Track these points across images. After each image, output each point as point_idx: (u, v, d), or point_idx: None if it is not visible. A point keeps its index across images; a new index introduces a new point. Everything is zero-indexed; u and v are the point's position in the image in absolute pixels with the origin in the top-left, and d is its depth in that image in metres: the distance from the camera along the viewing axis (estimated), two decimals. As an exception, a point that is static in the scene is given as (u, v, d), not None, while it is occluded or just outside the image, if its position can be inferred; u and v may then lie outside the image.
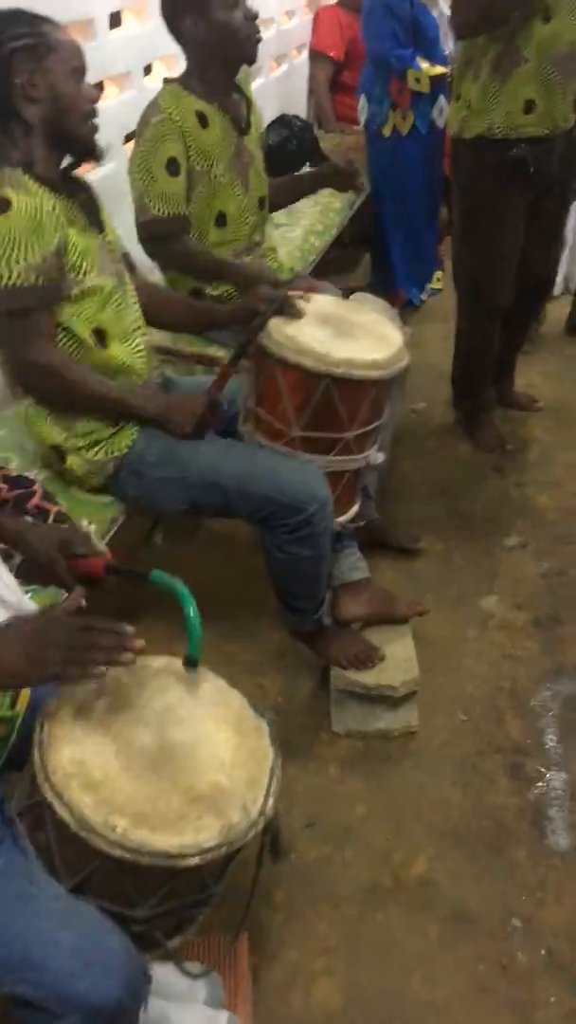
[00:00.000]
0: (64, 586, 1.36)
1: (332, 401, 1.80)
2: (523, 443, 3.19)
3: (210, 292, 2.45)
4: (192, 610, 1.22)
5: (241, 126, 2.38)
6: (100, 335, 1.82)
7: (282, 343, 1.79)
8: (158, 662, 1.35)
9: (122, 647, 1.11)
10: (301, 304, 1.86)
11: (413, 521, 2.76)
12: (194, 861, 1.09)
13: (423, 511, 2.83)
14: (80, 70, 1.75)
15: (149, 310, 2.01)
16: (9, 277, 1.67)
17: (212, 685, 1.34)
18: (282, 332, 1.80)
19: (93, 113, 1.76)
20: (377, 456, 1.94)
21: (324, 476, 1.86)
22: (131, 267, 2.00)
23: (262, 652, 2.29)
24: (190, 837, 1.10)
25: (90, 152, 1.80)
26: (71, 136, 1.75)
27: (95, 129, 1.78)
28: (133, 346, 1.90)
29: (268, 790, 1.18)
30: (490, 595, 2.50)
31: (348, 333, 1.86)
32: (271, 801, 1.18)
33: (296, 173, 3.39)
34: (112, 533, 1.96)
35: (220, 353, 2.42)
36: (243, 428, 1.94)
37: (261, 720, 1.29)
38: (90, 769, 1.12)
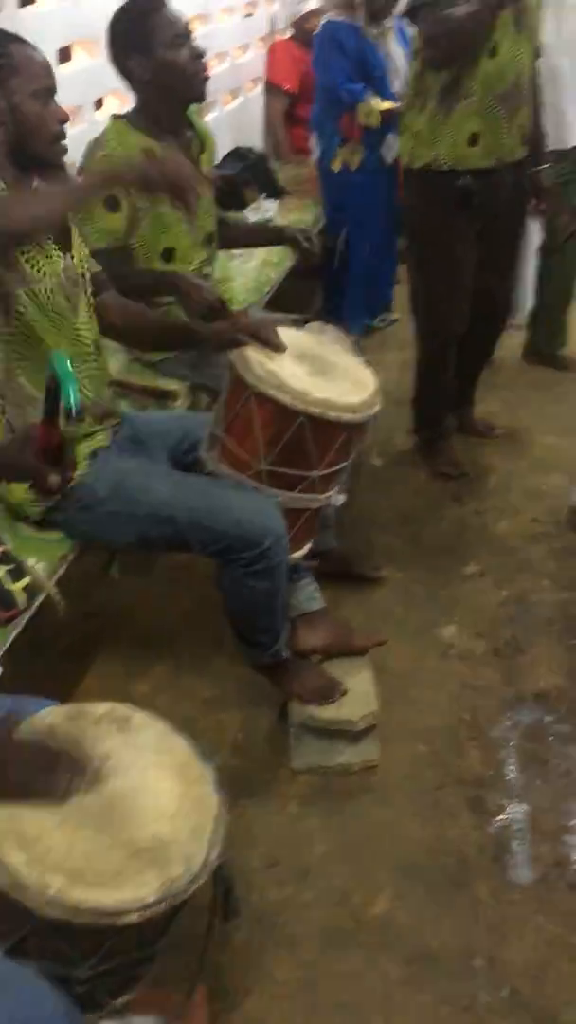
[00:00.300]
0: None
1: (304, 439, 1.80)
2: (482, 470, 3.20)
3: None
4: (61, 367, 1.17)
5: (191, 162, 2.36)
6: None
7: (263, 377, 1.78)
8: (99, 708, 1.31)
9: None
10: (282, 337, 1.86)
11: (373, 550, 2.75)
12: (133, 918, 1.06)
13: (383, 540, 2.82)
14: (47, 90, 1.72)
15: (122, 329, 2.01)
16: None
17: (155, 730, 1.31)
18: (263, 365, 1.79)
19: (61, 135, 1.75)
20: (338, 498, 1.95)
21: (279, 509, 1.86)
22: (97, 290, 1.95)
23: (221, 686, 2.27)
24: (129, 893, 1.06)
25: (59, 176, 1.79)
26: (38, 158, 1.73)
27: (63, 151, 1.76)
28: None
29: (212, 840, 1.15)
30: (450, 624, 2.49)
31: (325, 373, 1.87)
32: (215, 852, 1.14)
33: (259, 223, 3.43)
34: (62, 571, 1.92)
35: (173, 386, 2.42)
36: (206, 455, 1.93)
37: (206, 766, 1.25)
38: (24, 824, 1.09)
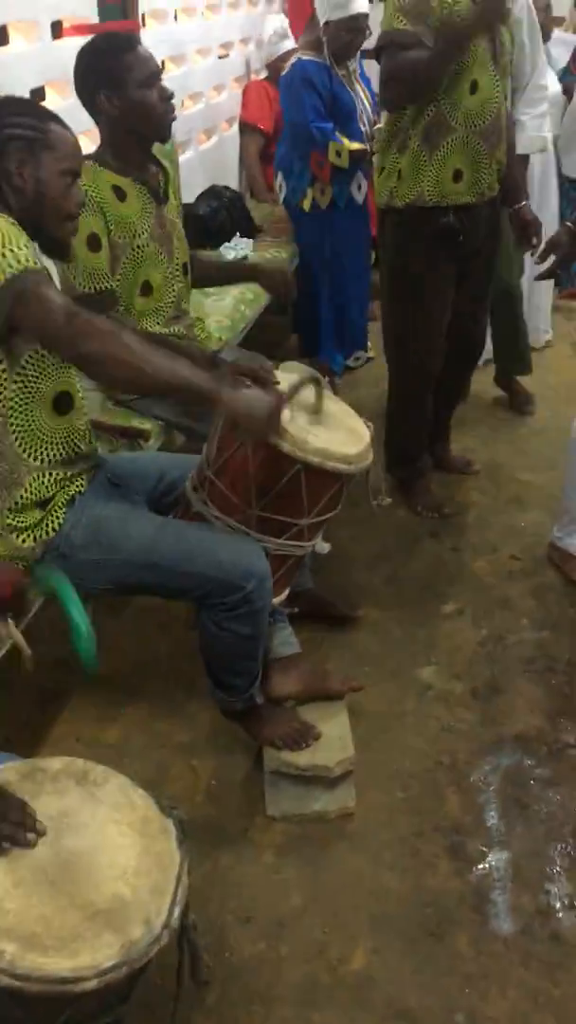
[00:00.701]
0: None
1: (298, 487, 1.79)
2: (460, 507, 3.19)
3: None
4: (74, 608, 1.13)
5: (159, 196, 2.38)
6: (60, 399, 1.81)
7: None
8: (56, 764, 1.27)
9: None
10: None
11: (350, 589, 2.73)
12: (91, 984, 1.02)
13: (360, 579, 2.81)
14: (73, 172, 1.76)
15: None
16: None
17: (114, 784, 1.27)
18: None
19: (73, 216, 1.79)
20: (323, 546, 1.95)
21: (263, 552, 1.84)
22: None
23: (195, 732, 2.24)
24: (86, 958, 1.03)
25: (62, 253, 1.83)
26: (46, 232, 1.76)
27: (72, 232, 1.82)
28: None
29: (174, 899, 1.11)
30: (428, 665, 2.47)
31: (321, 420, 1.86)
32: (177, 911, 1.10)
33: (234, 261, 3.42)
34: (30, 618, 1.89)
35: (146, 426, 2.40)
36: (194, 495, 1.90)
37: (167, 819, 1.21)
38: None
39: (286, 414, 1.75)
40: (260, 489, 1.80)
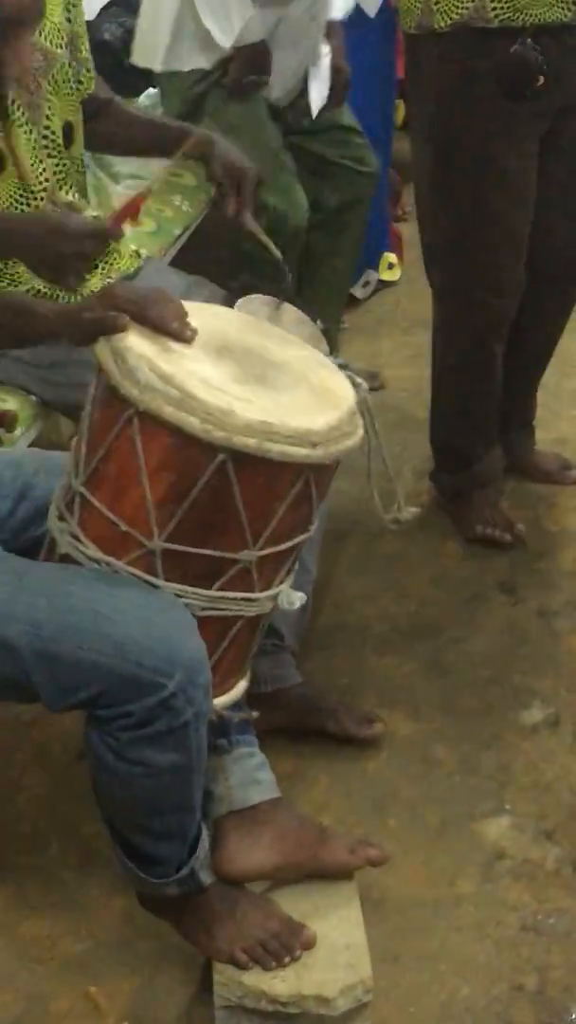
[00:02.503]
0: None
1: (228, 494, 1.76)
2: (550, 539, 3.22)
3: None
4: None
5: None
6: None
7: (151, 384, 1.73)
8: None
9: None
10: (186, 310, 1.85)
11: (363, 685, 2.74)
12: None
13: (380, 665, 2.81)
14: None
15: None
16: None
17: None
18: (155, 366, 1.74)
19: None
20: (292, 596, 1.93)
21: (191, 617, 1.83)
22: None
23: (95, 935, 2.22)
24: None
25: None
26: None
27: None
28: None
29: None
30: (498, 815, 2.47)
31: (264, 377, 1.86)
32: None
33: (164, 120, 3.42)
34: None
35: (7, 404, 2.43)
36: (55, 527, 1.90)
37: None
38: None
39: (198, 368, 1.76)
40: (163, 503, 1.78)
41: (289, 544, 1.86)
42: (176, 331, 1.81)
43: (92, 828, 2.24)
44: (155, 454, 1.75)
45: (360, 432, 1.85)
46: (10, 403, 2.42)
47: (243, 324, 2.00)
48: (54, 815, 2.42)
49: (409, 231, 4.20)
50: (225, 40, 3.41)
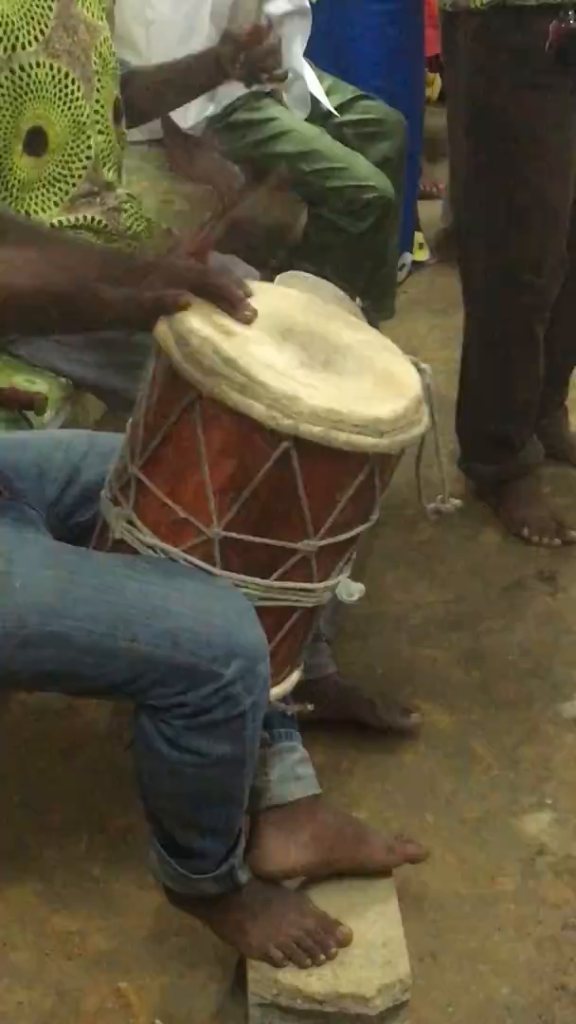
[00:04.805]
0: None
1: (290, 483, 1.75)
2: None
3: None
4: None
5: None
6: None
7: (215, 368, 1.71)
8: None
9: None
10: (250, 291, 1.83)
11: (399, 676, 2.73)
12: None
13: (416, 656, 2.80)
14: None
15: None
16: None
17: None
18: (216, 346, 1.72)
19: None
20: (353, 588, 1.93)
21: (251, 607, 1.82)
22: None
23: (125, 931, 2.22)
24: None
25: None
26: None
27: None
28: None
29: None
30: (539, 810, 2.47)
31: (329, 362, 1.84)
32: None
33: (180, 63, 3.43)
34: None
35: (38, 386, 2.43)
36: (113, 512, 1.89)
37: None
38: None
39: (261, 352, 1.75)
40: (223, 492, 1.77)
41: (350, 534, 1.85)
42: (242, 308, 1.78)
43: (123, 821, 2.30)
44: (217, 440, 1.74)
45: (426, 420, 1.84)
46: (39, 385, 2.43)
47: (308, 306, 1.99)
48: (84, 808, 2.43)
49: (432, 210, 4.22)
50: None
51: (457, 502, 2.07)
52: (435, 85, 5.04)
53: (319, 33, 3.91)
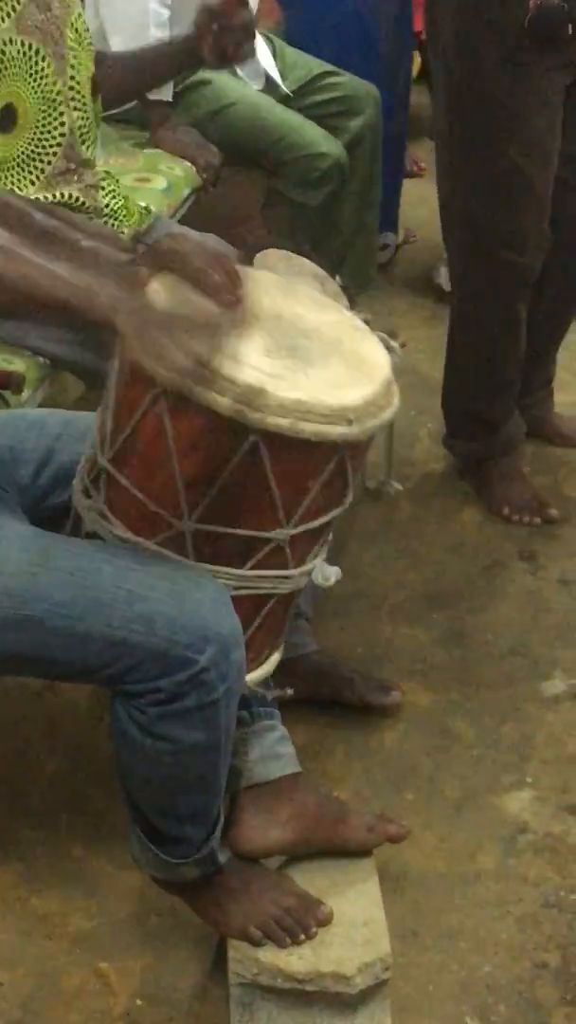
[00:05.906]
0: None
1: (260, 474, 1.75)
2: (572, 505, 3.23)
3: None
4: None
5: None
6: None
7: None
8: None
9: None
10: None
11: (379, 655, 2.74)
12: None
13: (396, 635, 2.81)
14: None
15: None
16: None
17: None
18: None
19: None
20: (327, 571, 1.96)
21: (226, 594, 1.82)
22: None
23: (106, 912, 2.22)
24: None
25: None
26: None
27: None
28: None
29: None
30: (519, 789, 2.47)
31: (296, 348, 1.83)
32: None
33: (153, 48, 3.44)
34: None
35: (16, 365, 2.42)
36: (82, 504, 1.89)
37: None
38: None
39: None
40: (194, 484, 1.76)
41: (324, 520, 1.85)
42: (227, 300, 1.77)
43: (103, 803, 2.29)
44: (184, 435, 1.73)
45: (396, 403, 1.83)
46: (17, 364, 2.41)
47: (275, 288, 1.97)
48: (64, 789, 2.43)
49: (421, 189, 4.20)
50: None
51: (398, 486, 2.08)
52: (416, 63, 5.02)
53: (303, 11, 3.91)
